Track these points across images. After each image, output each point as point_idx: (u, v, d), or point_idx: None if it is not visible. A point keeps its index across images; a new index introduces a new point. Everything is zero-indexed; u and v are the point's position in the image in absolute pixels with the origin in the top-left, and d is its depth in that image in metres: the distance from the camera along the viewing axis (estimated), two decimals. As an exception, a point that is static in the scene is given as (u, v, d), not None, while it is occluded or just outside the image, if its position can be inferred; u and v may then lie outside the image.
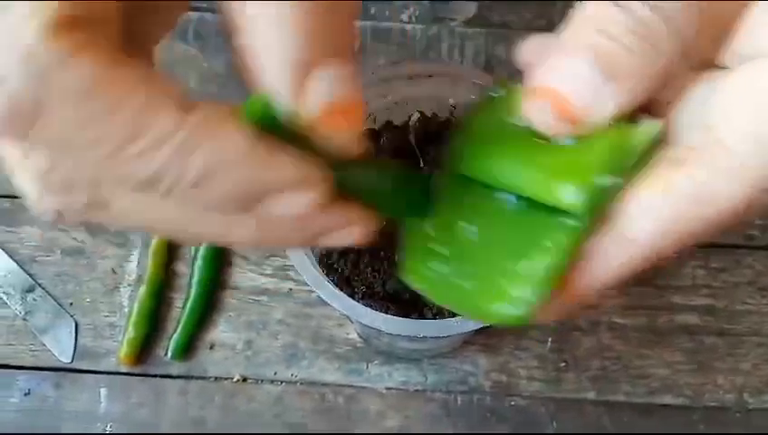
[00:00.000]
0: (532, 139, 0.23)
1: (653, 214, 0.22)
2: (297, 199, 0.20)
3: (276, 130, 0.20)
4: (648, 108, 0.24)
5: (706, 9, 0.22)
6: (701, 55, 0.23)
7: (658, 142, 0.23)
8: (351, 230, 0.23)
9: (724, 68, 0.23)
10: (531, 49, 0.25)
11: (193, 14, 0.59)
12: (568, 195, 0.22)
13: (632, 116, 0.23)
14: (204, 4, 0.59)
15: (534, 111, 0.23)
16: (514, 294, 0.23)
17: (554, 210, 0.23)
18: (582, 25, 0.22)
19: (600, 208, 0.22)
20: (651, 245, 0.22)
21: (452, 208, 0.25)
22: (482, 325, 0.34)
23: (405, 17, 0.60)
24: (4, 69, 0.16)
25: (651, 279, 0.53)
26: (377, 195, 0.24)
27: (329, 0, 0.19)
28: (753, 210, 0.22)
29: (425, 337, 0.41)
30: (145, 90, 0.17)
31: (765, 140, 0.21)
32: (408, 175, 0.26)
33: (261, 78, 0.20)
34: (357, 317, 0.34)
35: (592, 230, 0.23)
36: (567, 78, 0.22)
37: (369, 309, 0.34)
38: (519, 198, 0.24)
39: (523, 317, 0.23)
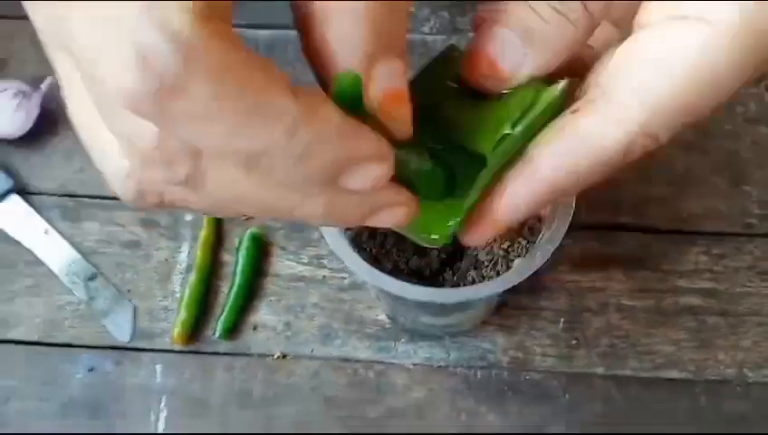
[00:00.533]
0: (462, 97, 0.29)
1: (552, 151, 0.27)
2: (372, 172, 0.23)
3: (357, 108, 0.23)
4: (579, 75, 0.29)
5: None
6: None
7: (568, 98, 0.28)
8: (399, 210, 0.26)
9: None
10: (481, 15, 0.29)
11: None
12: (482, 142, 0.28)
13: (558, 75, 0.28)
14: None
15: (470, 70, 0.28)
16: (440, 220, 0.29)
17: (473, 153, 0.28)
18: (517, 3, 0.27)
19: (509, 152, 0.28)
20: (551, 180, 0.27)
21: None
22: (494, 290, 0.39)
23: (426, 29, 0.65)
24: (156, 48, 0.18)
25: (657, 265, 0.57)
26: (420, 177, 0.28)
27: (391, 0, 0.23)
28: (636, 153, 0.27)
29: (445, 310, 0.46)
30: (265, 74, 0.20)
31: (642, 93, 0.26)
32: (443, 162, 0.30)
33: (333, 63, 0.23)
34: (386, 287, 0.39)
35: (502, 169, 0.28)
36: (498, 44, 0.27)
37: (396, 279, 0.39)
38: (448, 145, 0.29)
39: (445, 237, 0.29)
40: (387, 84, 0.23)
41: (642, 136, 0.26)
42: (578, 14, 0.26)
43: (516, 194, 0.28)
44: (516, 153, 0.28)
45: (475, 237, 0.30)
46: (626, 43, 0.27)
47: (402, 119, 0.25)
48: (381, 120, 0.24)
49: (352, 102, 0.23)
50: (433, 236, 0.29)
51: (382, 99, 0.23)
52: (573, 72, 0.29)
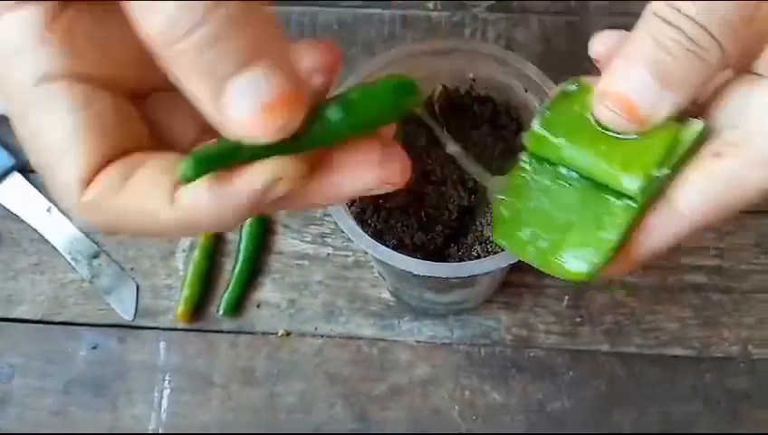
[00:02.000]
0: (600, 130, 0.29)
1: (699, 194, 0.28)
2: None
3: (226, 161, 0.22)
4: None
5: (744, 30, 0.27)
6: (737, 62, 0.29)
7: (704, 138, 0.28)
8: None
9: (759, 75, 0.29)
10: (601, 46, 0.30)
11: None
12: (630, 183, 0.28)
13: (681, 114, 0.28)
14: None
15: (606, 111, 0.28)
16: (586, 257, 0.29)
17: (618, 192, 0.28)
18: (643, 39, 0.27)
19: (654, 192, 0.28)
20: (697, 218, 0.28)
21: (530, 186, 0.31)
22: (499, 265, 0.38)
23: (431, 5, 0.64)
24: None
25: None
26: None
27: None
28: None
29: (449, 286, 0.46)
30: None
31: None
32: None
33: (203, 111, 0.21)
34: (391, 262, 0.39)
35: (647, 209, 0.28)
36: (633, 85, 0.27)
37: (400, 254, 0.39)
38: (584, 178, 0.30)
39: (590, 275, 0.29)
40: (250, 102, 0.20)
41: None
42: (712, 53, 0.27)
43: (662, 235, 0.29)
44: (657, 193, 0.28)
45: (614, 273, 0.31)
46: (761, 85, 0.28)
47: (290, 123, 0.21)
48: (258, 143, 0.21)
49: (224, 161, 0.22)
50: (581, 271, 0.30)
51: (247, 121, 0.20)
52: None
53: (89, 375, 0.55)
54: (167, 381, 0.55)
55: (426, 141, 0.46)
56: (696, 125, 0.28)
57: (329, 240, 0.58)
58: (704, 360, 0.54)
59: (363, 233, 0.40)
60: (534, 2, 0.64)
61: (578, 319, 0.55)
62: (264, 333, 0.56)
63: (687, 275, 0.56)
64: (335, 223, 0.40)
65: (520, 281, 0.56)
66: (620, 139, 0.28)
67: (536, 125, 0.30)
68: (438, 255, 0.44)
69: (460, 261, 0.43)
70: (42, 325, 0.57)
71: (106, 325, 0.57)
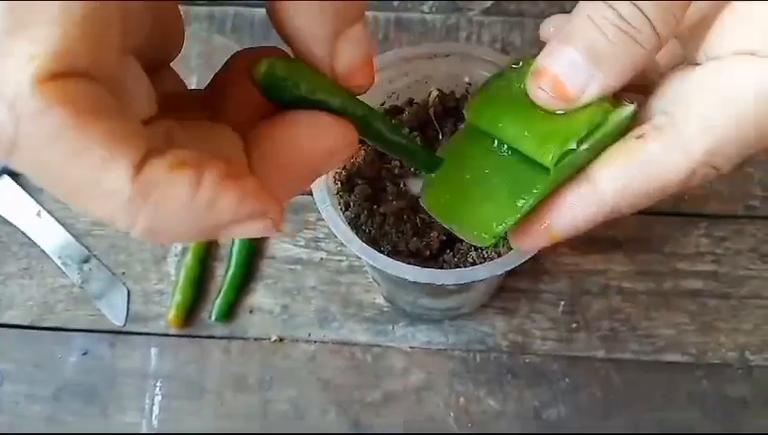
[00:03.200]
0: (533, 107, 0.29)
1: (616, 173, 0.28)
2: (253, 228, 0.21)
3: (283, 91, 0.23)
4: (639, 90, 0.29)
5: (680, 13, 0.26)
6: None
7: (633, 121, 0.28)
8: (264, 222, 0.21)
9: (695, 64, 0.28)
10: (549, 27, 0.30)
11: (230, 9, 0.64)
12: (545, 154, 0.28)
13: (618, 96, 0.28)
14: (240, 1, 0.64)
15: (536, 89, 0.28)
16: (494, 222, 0.30)
17: (537, 164, 0.29)
18: (581, 19, 0.27)
19: (572, 168, 0.28)
20: (610, 201, 0.28)
21: (462, 154, 0.32)
22: (495, 271, 0.38)
23: (426, 8, 0.64)
24: None
25: (658, 247, 0.57)
26: (394, 146, 0.29)
27: None
28: (695, 181, 0.27)
29: (444, 292, 0.45)
30: (105, 146, 0.18)
31: (708, 125, 0.26)
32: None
33: (304, 50, 0.23)
34: (383, 268, 0.38)
35: (564, 184, 0.29)
36: (564, 64, 0.27)
37: (394, 260, 0.38)
38: (512, 150, 0.30)
39: (494, 238, 0.30)
40: (350, 58, 0.24)
41: (704, 166, 0.27)
42: (645, 35, 0.26)
43: (575, 211, 0.29)
44: (577, 169, 0.29)
45: (527, 242, 0.30)
46: (695, 74, 0.28)
47: (367, 81, 0.25)
48: (351, 89, 0.25)
49: (276, 91, 0.23)
50: (483, 235, 0.30)
51: (347, 74, 0.24)
52: (635, 87, 0.29)
53: (79, 382, 0.55)
54: (158, 388, 0.54)
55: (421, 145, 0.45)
56: (627, 108, 0.28)
57: (322, 245, 0.57)
58: (700, 366, 0.54)
59: (357, 239, 0.39)
60: (530, 5, 0.64)
61: (574, 325, 0.55)
62: (256, 339, 0.55)
63: (684, 281, 0.56)
64: (329, 227, 0.39)
65: (516, 286, 0.56)
66: (550, 115, 0.28)
67: (476, 97, 0.31)
68: (433, 261, 0.43)
69: (455, 267, 0.42)
70: (31, 331, 0.56)
71: (96, 331, 0.56)
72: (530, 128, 0.29)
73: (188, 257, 0.56)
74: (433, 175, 0.33)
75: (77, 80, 0.17)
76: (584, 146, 0.28)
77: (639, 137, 0.28)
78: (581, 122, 0.28)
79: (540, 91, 0.28)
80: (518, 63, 0.31)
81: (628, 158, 0.28)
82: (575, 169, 0.29)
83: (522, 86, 0.29)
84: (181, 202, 0.19)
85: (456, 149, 0.32)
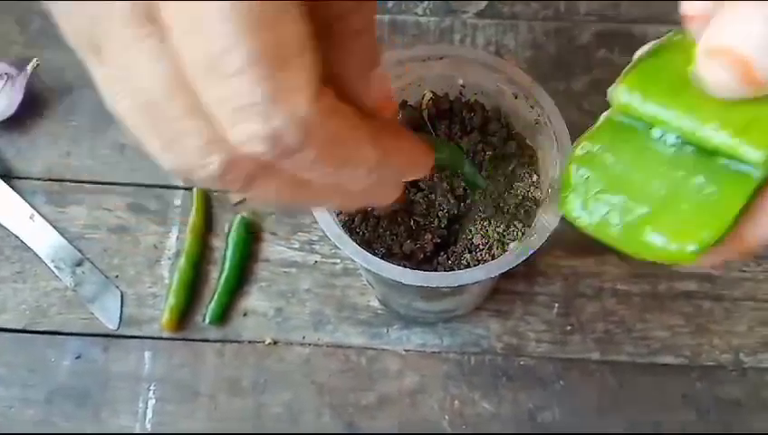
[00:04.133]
0: (702, 90, 0.24)
1: None
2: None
3: None
4: None
5: None
6: None
7: None
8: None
9: None
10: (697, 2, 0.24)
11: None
12: (752, 151, 0.23)
13: None
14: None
15: (716, 70, 0.23)
16: (690, 235, 0.24)
17: (732, 162, 0.24)
18: None
19: None
20: None
21: (614, 150, 0.27)
22: (489, 274, 0.38)
23: (420, 11, 0.64)
24: (285, 130, 0.20)
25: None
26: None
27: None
28: None
29: (438, 294, 0.45)
30: (354, 132, 0.23)
31: None
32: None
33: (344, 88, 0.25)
34: (377, 270, 0.38)
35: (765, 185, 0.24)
36: (754, 43, 0.22)
37: (388, 262, 0.38)
38: (686, 144, 0.25)
39: (694, 256, 0.24)
40: (379, 94, 0.26)
41: None
42: None
43: None
44: None
45: (720, 259, 0.26)
46: None
47: (393, 113, 0.28)
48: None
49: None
50: (689, 249, 0.24)
51: (378, 108, 0.26)
52: None
53: (72, 385, 0.54)
54: (152, 392, 0.54)
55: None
56: None
57: (316, 247, 0.57)
58: (695, 368, 0.54)
59: (351, 241, 0.39)
60: (524, 8, 0.64)
61: (568, 327, 0.55)
62: (250, 342, 0.55)
63: (678, 283, 0.56)
64: (323, 230, 0.39)
65: (510, 289, 0.56)
66: (730, 101, 0.24)
67: (626, 80, 0.26)
68: (428, 263, 0.43)
69: (450, 270, 0.42)
70: (24, 334, 0.56)
71: (90, 334, 0.56)
72: (714, 118, 0.24)
73: (182, 260, 0.56)
74: (575, 178, 0.27)
75: (327, 92, 0.21)
76: None
77: None
78: None
79: (721, 72, 0.23)
80: (673, 37, 0.26)
81: None
82: None
83: (682, 66, 0.25)
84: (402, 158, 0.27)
85: (603, 143, 0.27)
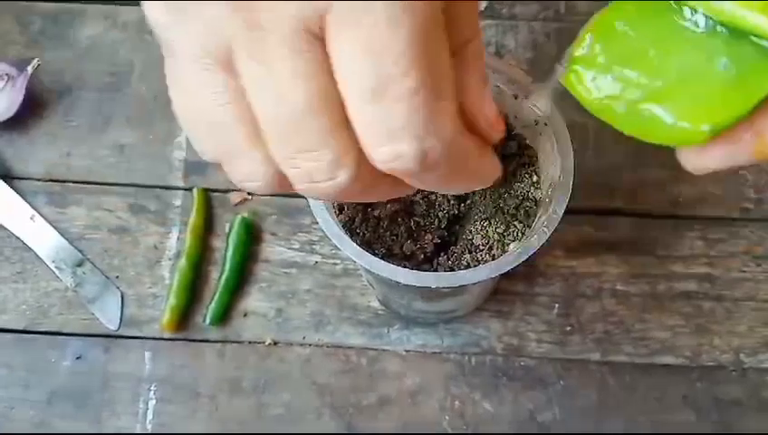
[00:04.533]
0: None
1: None
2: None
3: None
4: None
5: None
6: None
7: None
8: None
9: None
10: None
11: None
12: None
13: None
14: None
15: None
16: (702, 113, 0.23)
17: (764, 44, 0.22)
18: None
19: None
20: None
21: (634, 25, 0.25)
22: (489, 274, 0.38)
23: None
24: (434, 150, 0.22)
25: (652, 250, 0.57)
26: None
27: None
28: None
29: (438, 295, 0.45)
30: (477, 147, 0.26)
31: None
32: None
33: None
34: (378, 271, 0.38)
35: None
36: None
37: (388, 263, 0.38)
38: (719, 25, 0.23)
39: (706, 138, 0.23)
40: (490, 114, 0.27)
41: None
42: None
43: None
44: None
45: (716, 156, 0.24)
46: None
47: (501, 133, 0.28)
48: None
49: None
50: (702, 128, 0.23)
51: (490, 128, 0.27)
52: None
53: (72, 386, 0.54)
54: (152, 392, 0.54)
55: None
56: None
57: (317, 248, 0.57)
58: (695, 368, 0.54)
59: (351, 242, 0.39)
60: (524, 8, 0.64)
61: (568, 328, 0.55)
62: (251, 343, 0.55)
63: (678, 283, 0.56)
64: (323, 230, 0.39)
65: (511, 289, 0.56)
66: None
67: None
68: (428, 264, 0.43)
69: (450, 270, 0.42)
70: (25, 335, 0.56)
71: (90, 335, 0.56)
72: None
73: (182, 261, 0.56)
74: (581, 48, 0.25)
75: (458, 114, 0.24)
76: None
77: None
78: None
79: None
80: None
81: None
82: None
83: None
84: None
85: (625, 16, 0.25)
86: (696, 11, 0.23)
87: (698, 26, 0.23)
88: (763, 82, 0.22)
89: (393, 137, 0.21)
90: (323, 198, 0.26)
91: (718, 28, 0.23)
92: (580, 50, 0.26)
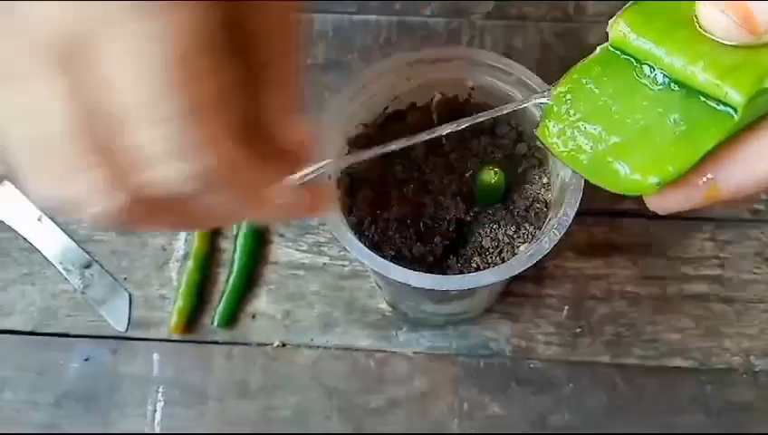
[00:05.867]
0: (701, 32, 0.24)
1: None
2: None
3: None
4: None
5: None
6: None
7: None
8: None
9: None
10: None
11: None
12: (734, 93, 0.23)
13: None
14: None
15: (717, 15, 0.24)
16: (655, 167, 0.25)
17: (715, 102, 0.24)
18: None
19: (755, 112, 0.24)
20: None
21: (600, 82, 0.27)
22: (499, 277, 0.38)
23: (428, 12, 0.64)
24: (204, 164, 0.21)
25: (662, 251, 0.56)
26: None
27: None
28: None
29: (448, 297, 0.45)
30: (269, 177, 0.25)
31: None
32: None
33: None
34: (387, 273, 0.38)
35: (741, 134, 0.24)
36: None
37: (397, 266, 0.38)
38: (674, 82, 0.25)
39: (655, 189, 0.25)
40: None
41: None
42: None
43: (751, 166, 0.24)
44: (757, 117, 0.24)
45: (675, 199, 0.25)
46: None
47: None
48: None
49: None
50: (651, 180, 0.25)
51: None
52: None
53: (81, 388, 0.54)
54: (160, 394, 0.54)
55: (424, 150, 0.45)
56: None
57: (325, 249, 0.57)
58: (705, 371, 0.54)
59: (360, 244, 0.39)
60: (532, 9, 0.63)
61: (578, 330, 0.55)
62: (259, 345, 0.55)
63: (688, 285, 0.56)
64: (331, 232, 0.39)
65: (520, 291, 0.55)
66: (726, 45, 0.24)
67: (626, 14, 0.26)
68: (437, 266, 0.43)
69: (459, 273, 0.42)
70: (33, 337, 0.56)
71: (98, 337, 0.55)
72: (704, 59, 0.24)
73: (190, 263, 0.56)
74: (558, 105, 0.28)
75: (249, 135, 0.24)
76: None
77: None
78: None
79: (722, 18, 0.23)
80: None
81: None
82: (756, 117, 0.24)
83: (683, 8, 0.25)
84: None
85: (592, 74, 0.27)
86: (654, 68, 0.26)
87: (656, 83, 0.26)
88: (707, 138, 0.24)
89: (154, 161, 0.21)
90: (97, 224, 0.25)
91: (673, 85, 0.25)
92: (552, 105, 0.28)
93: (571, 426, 0.53)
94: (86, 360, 0.55)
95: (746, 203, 0.57)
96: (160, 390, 0.54)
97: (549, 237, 0.38)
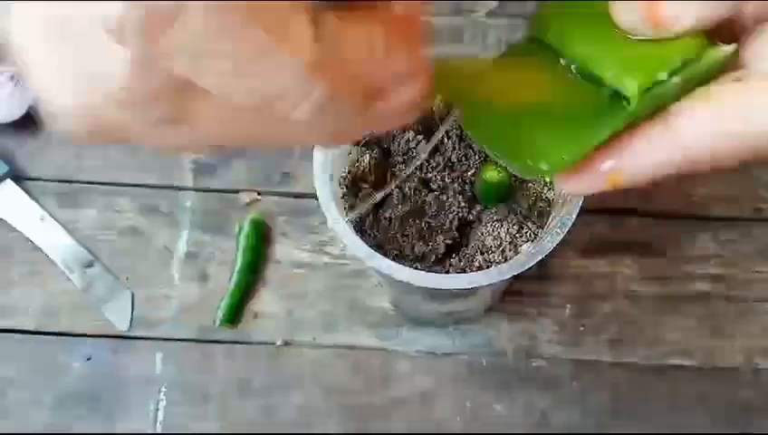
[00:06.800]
0: (612, 27, 0.25)
1: (701, 119, 0.23)
2: (406, 94, 0.21)
3: None
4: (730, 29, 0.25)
5: None
6: None
7: (730, 64, 0.24)
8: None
9: None
10: None
11: None
12: (629, 83, 0.24)
13: (709, 35, 0.25)
14: None
15: (623, 8, 0.24)
16: (554, 152, 0.25)
17: (615, 93, 0.25)
18: None
19: (654, 104, 0.25)
20: (692, 148, 0.24)
21: (518, 71, 0.28)
22: (502, 276, 0.38)
23: (429, 10, 0.64)
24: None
25: (666, 250, 0.56)
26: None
27: None
28: None
29: (450, 296, 0.45)
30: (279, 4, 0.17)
31: None
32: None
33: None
34: (389, 272, 0.38)
35: (642, 124, 0.25)
36: None
37: (399, 264, 0.38)
38: (584, 73, 0.26)
39: (549, 175, 0.26)
40: None
41: None
42: None
43: (648, 153, 0.24)
44: (658, 108, 0.25)
45: (579, 184, 0.26)
46: None
47: None
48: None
49: None
50: (541, 166, 0.26)
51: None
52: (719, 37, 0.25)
53: (83, 388, 0.54)
54: (162, 393, 0.54)
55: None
56: (728, 47, 0.24)
57: (327, 248, 0.57)
58: (708, 370, 0.54)
59: (362, 243, 0.39)
60: (534, 7, 0.63)
61: (581, 328, 0.55)
62: (261, 344, 0.55)
63: (691, 285, 0.56)
64: (333, 231, 0.39)
65: (522, 290, 0.55)
66: (636, 41, 0.25)
67: (546, 8, 0.27)
68: (439, 265, 0.43)
69: (461, 271, 0.42)
70: (35, 336, 0.56)
71: (101, 336, 0.56)
72: (611, 51, 0.25)
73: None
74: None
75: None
76: (675, 79, 0.24)
77: (738, 80, 0.24)
78: (674, 53, 0.24)
79: (628, 11, 0.24)
80: None
81: (721, 100, 0.23)
82: (656, 108, 0.25)
83: (601, 5, 0.26)
84: (361, 57, 0.19)
85: (511, 63, 0.28)
86: (568, 59, 0.26)
87: (570, 73, 0.26)
88: (603, 128, 0.25)
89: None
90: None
91: (580, 76, 0.26)
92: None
93: (573, 425, 0.53)
94: (88, 359, 0.55)
95: (748, 202, 0.57)
96: (162, 389, 0.54)
97: (552, 236, 0.38)
